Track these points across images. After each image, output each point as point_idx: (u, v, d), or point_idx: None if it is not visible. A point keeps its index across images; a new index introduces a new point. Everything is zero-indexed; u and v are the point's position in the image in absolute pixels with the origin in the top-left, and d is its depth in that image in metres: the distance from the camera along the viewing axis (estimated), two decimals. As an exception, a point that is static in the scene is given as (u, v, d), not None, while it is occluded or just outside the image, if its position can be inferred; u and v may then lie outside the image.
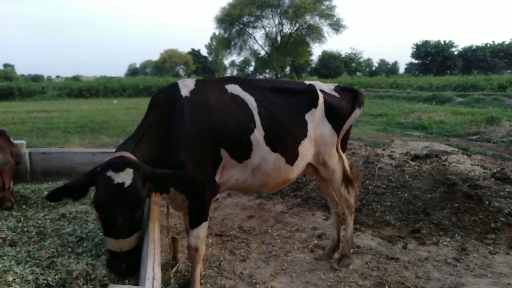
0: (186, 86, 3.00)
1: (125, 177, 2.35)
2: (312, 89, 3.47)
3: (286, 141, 3.22)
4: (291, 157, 3.28)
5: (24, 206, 3.50)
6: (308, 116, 3.38)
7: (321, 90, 3.57)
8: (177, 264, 3.68)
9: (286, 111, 3.26)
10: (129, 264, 2.42)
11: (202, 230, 2.96)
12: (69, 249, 2.75)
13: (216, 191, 3.03)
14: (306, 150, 3.41)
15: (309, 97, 3.43)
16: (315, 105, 3.43)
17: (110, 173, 2.34)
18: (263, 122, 3.10)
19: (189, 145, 2.79)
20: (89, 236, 3.01)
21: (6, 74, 53.57)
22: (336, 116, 3.55)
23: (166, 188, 2.68)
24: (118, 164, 2.38)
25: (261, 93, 3.24)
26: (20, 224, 3.07)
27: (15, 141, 3.94)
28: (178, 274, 3.60)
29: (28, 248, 2.65)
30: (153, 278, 2.00)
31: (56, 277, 2.33)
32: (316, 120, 3.43)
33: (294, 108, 3.33)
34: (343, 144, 3.76)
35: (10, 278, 2.22)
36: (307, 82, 3.60)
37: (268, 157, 3.13)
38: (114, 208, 2.32)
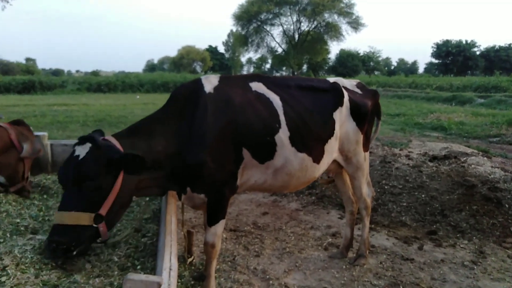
0: (210, 82, 2.94)
1: (82, 150, 2.38)
2: (337, 87, 3.44)
3: (312, 141, 3.17)
4: (318, 156, 3.25)
5: (45, 196, 3.60)
6: (335, 115, 3.34)
7: (344, 87, 3.54)
8: (192, 257, 3.73)
9: (312, 110, 3.21)
10: (58, 241, 2.24)
11: (219, 227, 2.96)
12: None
13: (235, 190, 3.00)
14: (332, 148, 3.39)
15: (335, 96, 3.39)
16: (341, 103, 3.40)
17: (75, 147, 2.44)
18: (289, 122, 3.04)
19: (211, 144, 2.73)
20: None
21: (28, 68, 55.04)
22: (360, 114, 3.52)
23: (136, 171, 2.41)
24: (83, 138, 2.44)
25: (286, 91, 3.18)
26: (41, 213, 3.16)
27: (38, 133, 4.05)
28: (193, 267, 3.65)
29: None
30: (170, 269, 2.03)
31: (75, 265, 2.39)
32: (342, 119, 3.41)
33: (320, 107, 3.27)
34: (366, 143, 3.72)
35: (32, 262, 2.30)
36: (330, 79, 3.58)
37: (293, 158, 3.07)
38: (63, 177, 2.40)
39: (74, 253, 2.33)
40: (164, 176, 2.74)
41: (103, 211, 2.34)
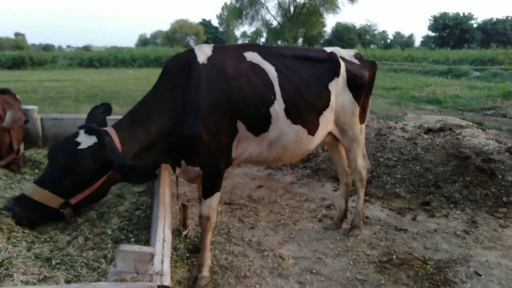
0: (203, 52, 2.85)
1: (85, 141, 2.35)
2: (334, 57, 3.35)
3: (308, 113, 3.12)
4: (313, 128, 3.21)
5: (36, 171, 3.54)
6: (330, 86, 3.27)
7: (341, 58, 3.45)
8: (187, 230, 3.74)
9: (308, 81, 3.13)
10: (16, 213, 2.26)
11: (214, 200, 2.95)
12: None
13: (230, 163, 2.97)
14: (328, 120, 3.35)
15: (332, 66, 3.31)
16: (337, 74, 3.32)
17: (81, 131, 2.40)
18: (284, 94, 2.97)
19: (205, 116, 2.67)
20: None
21: (17, 43, 53.70)
22: (357, 85, 3.45)
23: (132, 180, 2.50)
24: (92, 129, 2.39)
25: (281, 62, 3.09)
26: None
27: (27, 106, 3.94)
28: (188, 240, 3.67)
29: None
30: (164, 240, 2.02)
31: (69, 236, 2.38)
32: (338, 90, 3.35)
33: (316, 78, 3.20)
34: (362, 115, 3.67)
35: (23, 236, 2.28)
36: (327, 49, 3.49)
37: (288, 130, 3.03)
38: (53, 154, 2.39)
39: (26, 223, 2.32)
40: (158, 152, 2.71)
41: (74, 200, 2.34)
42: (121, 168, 2.32)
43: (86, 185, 2.37)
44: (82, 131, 2.41)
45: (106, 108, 2.89)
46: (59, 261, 2.11)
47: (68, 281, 1.96)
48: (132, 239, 2.45)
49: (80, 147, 2.33)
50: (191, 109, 2.67)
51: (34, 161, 3.70)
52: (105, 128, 2.50)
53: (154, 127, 2.61)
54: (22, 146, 3.49)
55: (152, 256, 1.63)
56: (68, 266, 2.09)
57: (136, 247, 1.64)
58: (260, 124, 2.94)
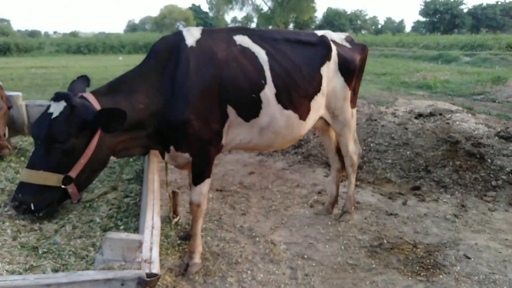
0: (192, 35, 2.76)
1: (56, 108, 2.26)
2: (325, 40, 3.29)
3: (299, 98, 3.06)
4: (304, 113, 3.16)
5: (22, 158, 3.46)
6: (322, 71, 3.21)
7: (333, 41, 3.39)
8: (178, 217, 3.71)
9: (299, 65, 3.07)
10: (21, 200, 2.20)
11: (205, 186, 2.91)
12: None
13: (220, 149, 2.92)
14: (319, 105, 3.31)
15: (323, 50, 3.25)
16: (329, 58, 3.27)
17: (51, 102, 2.32)
18: (275, 79, 2.91)
19: (195, 101, 2.61)
20: (88, 188, 2.99)
21: (2, 30, 52.28)
22: (349, 69, 3.41)
23: (114, 128, 2.27)
24: (59, 94, 2.31)
25: (272, 45, 3.02)
26: (18, 175, 3.04)
27: (11, 93, 3.82)
28: (179, 227, 3.65)
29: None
30: (152, 227, 1.98)
31: (56, 225, 2.34)
32: (330, 75, 3.30)
33: (308, 62, 3.14)
34: (353, 99, 3.64)
35: (9, 225, 2.23)
36: (318, 32, 3.42)
37: (279, 116, 2.98)
38: (34, 133, 2.32)
39: (40, 214, 2.28)
40: (147, 136, 2.64)
41: (73, 173, 2.25)
42: (98, 118, 2.20)
43: (76, 153, 2.27)
44: (52, 102, 2.33)
45: (84, 80, 2.81)
46: (46, 250, 2.09)
47: (55, 270, 1.93)
48: (121, 227, 2.42)
49: (53, 116, 2.25)
50: (180, 93, 2.60)
51: (20, 149, 3.61)
52: (81, 94, 2.41)
53: (141, 105, 2.51)
54: (6, 131, 3.40)
55: (140, 243, 1.60)
56: (55, 255, 2.06)
57: (124, 235, 1.60)
58: (250, 109, 2.88)
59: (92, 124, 2.24)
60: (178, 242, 3.36)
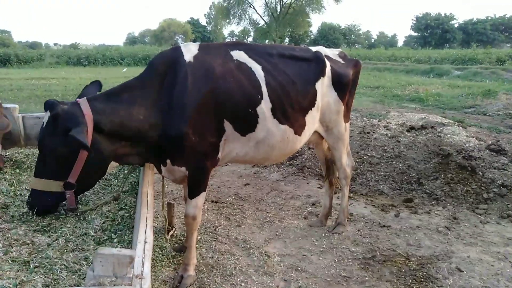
0: (190, 50, 2.81)
1: (46, 117, 2.40)
2: (319, 56, 3.35)
3: (294, 113, 3.11)
4: (299, 128, 3.21)
5: (17, 170, 3.45)
6: (317, 86, 3.27)
7: (326, 57, 3.47)
8: (173, 229, 3.70)
9: (294, 80, 3.12)
10: (31, 203, 2.50)
11: (200, 199, 2.92)
12: (62, 211, 2.74)
13: (216, 163, 2.94)
14: (313, 119, 3.36)
15: (317, 65, 3.32)
16: (323, 73, 3.33)
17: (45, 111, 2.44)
18: (271, 94, 2.95)
19: (192, 116, 2.63)
20: (83, 201, 2.99)
21: (3, 41, 52.25)
22: (342, 84, 3.47)
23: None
24: (46, 104, 2.40)
25: (268, 60, 3.07)
26: (12, 187, 3.03)
27: (7, 105, 3.84)
28: (174, 239, 3.64)
29: (21, 210, 2.64)
30: (145, 241, 1.98)
31: (49, 238, 2.33)
32: (323, 89, 3.36)
33: (302, 78, 3.19)
34: (347, 114, 3.70)
35: (1, 239, 2.22)
36: (312, 48, 3.50)
37: (274, 130, 3.02)
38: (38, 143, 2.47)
39: (47, 214, 2.57)
40: (146, 146, 2.67)
41: (72, 179, 2.39)
42: (74, 133, 2.21)
43: (72, 159, 2.37)
44: (45, 112, 2.43)
45: (96, 85, 2.94)
46: (37, 264, 2.07)
47: (46, 285, 1.91)
48: (115, 240, 2.41)
49: (43, 126, 2.40)
50: (178, 107, 2.63)
51: (15, 161, 3.61)
52: (77, 99, 2.48)
53: (140, 116, 2.55)
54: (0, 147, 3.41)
55: (131, 259, 1.59)
56: (47, 269, 2.04)
57: (115, 250, 1.60)
58: (247, 124, 2.92)
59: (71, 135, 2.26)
60: (173, 254, 3.35)
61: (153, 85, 2.68)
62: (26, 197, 2.88)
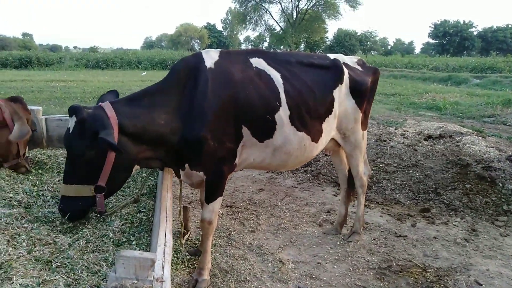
0: (211, 57, 2.85)
1: (71, 123, 2.42)
2: (337, 64, 3.37)
3: (312, 120, 3.13)
4: (316, 135, 3.22)
5: (40, 171, 3.54)
6: (334, 93, 3.28)
7: (345, 64, 3.47)
8: (188, 233, 3.74)
9: (312, 88, 3.14)
10: (62, 209, 2.50)
11: (217, 204, 2.95)
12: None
13: (233, 168, 2.97)
14: (330, 127, 3.37)
15: (335, 73, 3.33)
16: (341, 81, 3.34)
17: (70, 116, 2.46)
18: (289, 101, 2.97)
19: (211, 121, 2.67)
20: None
21: (25, 43, 53.90)
22: (360, 92, 3.47)
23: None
24: (70, 109, 2.42)
25: (286, 68, 3.10)
26: (35, 188, 3.12)
27: (32, 107, 3.95)
28: (189, 242, 3.67)
29: (43, 210, 2.72)
30: (165, 245, 2.01)
31: (70, 239, 2.38)
32: (341, 97, 3.36)
33: (321, 85, 3.21)
34: (364, 121, 3.69)
35: (25, 238, 2.28)
36: (331, 56, 3.51)
37: (292, 137, 3.03)
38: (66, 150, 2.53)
39: (77, 220, 2.59)
40: (167, 150, 2.71)
41: (102, 181, 2.43)
42: (103, 135, 2.26)
43: (99, 162, 2.40)
44: (70, 117, 2.47)
45: (113, 94, 2.98)
46: (59, 264, 2.11)
47: (67, 285, 1.95)
48: (134, 242, 2.45)
49: (69, 132, 2.42)
50: (198, 112, 2.67)
51: (37, 162, 3.71)
52: (100, 103, 2.53)
53: (162, 120, 2.60)
54: (26, 150, 3.50)
55: (153, 262, 1.61)
56: (68, 269, 2.08)
57: (137, 253, 1.62)
58: (265, 130, 2.94)
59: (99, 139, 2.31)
60: (188, 257, 3.38)
61: (175, 90, 2.72)
62: (49, 197, 2.97)
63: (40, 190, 3.09)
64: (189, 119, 2.66)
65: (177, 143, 2.67)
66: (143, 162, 2.70)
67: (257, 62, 3.01)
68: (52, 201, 2.93)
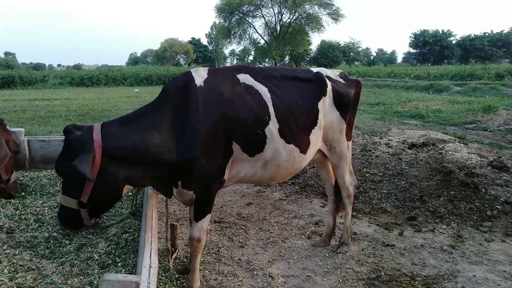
0: (200, 75, 2.88)
1: (62, 143, 2.64)
2: (320, 77, 3.45)
3: (299, 132, 3.19)
4: (304, 146, 3.27)
5: (22, 194, 3.48)
6: (319, 105, 3.35)
7: (327, 77, 3.55)
8: (176, 251, 3.69)
9: (298, 101, 3.20)
10: (58, 215, 2.75)
11: (205, 222, 2.95)
12: (66, 237, 2.75)
13: (222, 184, 2.97)
14: (317, 138, 3.42)
15: (318, 86, 3.40)
16: (324, 93, 3.41)
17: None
18: (278, 114, 3.02)
19: (202, 139, 2.69)
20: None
21: (8, 63, 53.30)
22: (344, 103, 3.54)
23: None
24: (64, 130, 2.61)
25: (272, 82, 3.15)
26: (18, 211, 3.05)
27: (14, 129, 3.87)
28: (177, 261, 3.62)
29: (26, 235, 2.66)
30: (150, 266, 1.99)
31: (54, 264, 2.34)
32: (325, 109, 3.43)
33: (305, 98, 3.27)
34: (349, 132, 3.76)
35: (6, 265, 2.23)
36: (313, 69, 3.58)
37: (281, 150, 3.07)
38: None
39: (71, 229, 2.77)
40: (161, 170, 2.70)
41: (83, 198, 2.52)
42: (75, 162, 2.38)
43: (82, 181, 2.48)
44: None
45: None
46: (42, 290, 2.07)
47: (51, 311, 1.91)
48: (119, 264, 2.41)
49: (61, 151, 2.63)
50: (189, 132, 2.68)
51: (20, 184, 3.63)
52: (94, 125, 2.65)
53: (156, 140, 2.61)
54: (14, 175, 3.41)
55: (137, 285, 1.60)
56: (51, 295, 2.04)
57: (121, 276, 1.61)
58: (255, 145, 2.97)
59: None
60: (176, 276, 3.33)
61: (166, 110, 2.74)
62: (31, 221, 2.93)
63: (23, 214, 3.02)
64: (182, 138, 2.68)
65: (172, 162, 2.67)
66: (137, 181, 2.71)
67: (245, 78, 3.05)
68: (35, 224, 2.87)
